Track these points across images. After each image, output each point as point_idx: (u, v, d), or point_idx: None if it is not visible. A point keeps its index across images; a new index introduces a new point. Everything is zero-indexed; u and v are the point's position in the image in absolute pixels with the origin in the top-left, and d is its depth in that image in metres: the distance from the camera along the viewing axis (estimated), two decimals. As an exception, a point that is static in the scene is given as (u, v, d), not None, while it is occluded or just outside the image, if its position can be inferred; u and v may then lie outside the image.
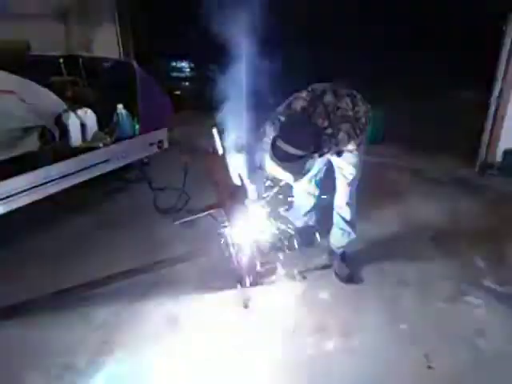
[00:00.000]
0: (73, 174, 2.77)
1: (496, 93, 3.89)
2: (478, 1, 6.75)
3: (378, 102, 4.84)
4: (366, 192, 2.53)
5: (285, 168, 1.91)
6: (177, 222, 2.66)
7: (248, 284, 2.26)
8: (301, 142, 1.84)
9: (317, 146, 1.91)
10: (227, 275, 2.33)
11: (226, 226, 2.23)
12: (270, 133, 2.14)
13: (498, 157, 4.07)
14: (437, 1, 7.47)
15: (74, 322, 2.06)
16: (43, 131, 2.73)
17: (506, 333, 2.00)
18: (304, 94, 2.05)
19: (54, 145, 2.80)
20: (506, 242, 2.80)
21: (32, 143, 2.68)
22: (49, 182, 2.62)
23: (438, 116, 5.93)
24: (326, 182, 2.48)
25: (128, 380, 1.76)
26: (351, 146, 2.07)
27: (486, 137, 4.05)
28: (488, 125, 4.01)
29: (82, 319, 2.08)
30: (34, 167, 2.54)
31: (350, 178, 2.23)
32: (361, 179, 2.28)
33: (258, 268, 2.31)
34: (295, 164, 1.90)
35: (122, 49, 5.39)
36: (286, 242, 2.57)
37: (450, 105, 6.40)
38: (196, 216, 2.40)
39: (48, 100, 2.92)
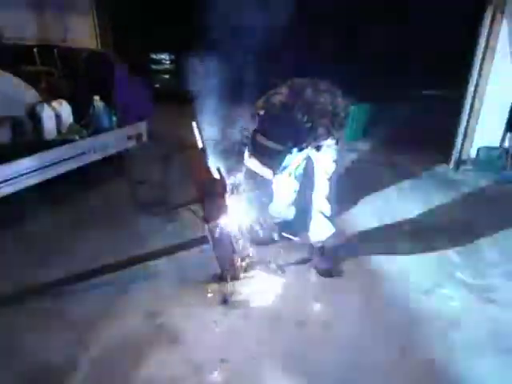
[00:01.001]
0: (47, 167, 2.69)
1: (470, 92, 3.99)
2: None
3: (360, 100, 4.94)
4: (345, 187, 2.56)
5: (264, 163, 1.90)
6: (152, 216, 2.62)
7: (227, 279, 2.25)
8: (280, 136, 1.84)
9: (296, 141, 1.91)
10: (207, 270, 2.32)
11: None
12: (250, 127, 2.13)
13: (472, 153, 4.20)
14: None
15: (48, 320, 2.00)
16: (15, 123, 2.64)
17: (478, 324, 2.05)
18: (284, 88, 2.05)
19: (27, 137, 2.71)
20: (479, 235, 2.88)
21: (3, 135, 2.58)
22: (21, 175, 2.53)
23: (412, 114, 6.07)
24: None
25: (104, 380, 1.73)
26: (330, 141, 2.08)
27: (460, 134, 4.16)
28: (462, 122, 4.12)
29: (56, 317, 2.02)
30: (4, 160, 2.46)
31: (330, 172, 2.25)
32: (340, 174, 2.29)
33: (238, 262, 2.30)
34: (274, 159, 1.90)
35: (99, 40, 5.25)
36: (266, 237, 2.57)
37: (423, 103, 6.57)
38: (171, 210, 2.36)
39: (21, 91, 2.83)
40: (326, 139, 2.03)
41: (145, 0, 6.85)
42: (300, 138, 1.90)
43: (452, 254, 2.65)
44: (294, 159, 2.35)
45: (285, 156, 1.92)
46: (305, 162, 2.42)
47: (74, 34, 4.97)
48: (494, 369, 1.81)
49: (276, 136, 1.82)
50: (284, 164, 1.97)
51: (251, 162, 1.94)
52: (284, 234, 2.61)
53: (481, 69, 3.88)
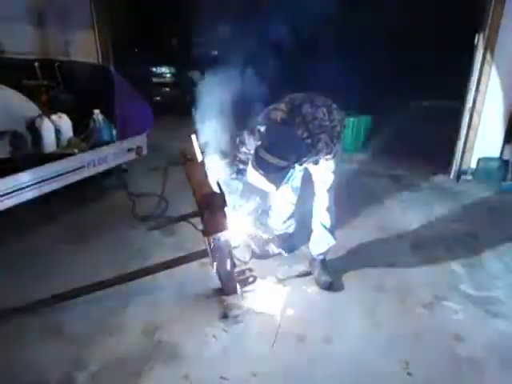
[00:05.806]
0: (46, 181, 2.68)
1: (469, 103, 4.01)
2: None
3: (360, 112, 4.95)
4: (346, 198, 2.54)
5: (268, 178, 1.91)
6: (151, 230, 2.61)
7: (228, 293, 2.23)
8: (284, 152, 1.87)
9: (299, 157, 1.93)
10: (206, 284, 2.29)
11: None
12: (250, 143, 2.15)
13: (472, 164, 4.20)
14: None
15: (45, 336, 1.96)
16: (14, 136, 2.65)
17: (483, 338, 2.02)
18: (282, 104, 2.07)
19: (26, 151, 2.71)
20: (481, 246, 2.86)
21: (2, 148, 2.59)
22: (20, 189, 2.52)
23: (412, 125, 6.10)
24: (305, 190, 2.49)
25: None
26: (328, 155, 2.08)
27: (460, 145, 4.17)
28: (462, 134, 4.13)
29: (54, 332, 1.98)
30: (4, 174, 2.45)
31: (329, 183, 2.24)
32: (340, 186, 2.28)
33: (238, 276, 2.27)
34: (278, 174, 1.91)
35: (100, 53, 5.29)
36: (266, 250, 2.55)
37: (423, 114, 6.61)
38: (171, 223, 2.35)
39: (20, 104, 2.84)
40: (327, 154, 2.04)
41: (146, 14, 6.94)
42: (301, 153, 1.92)
43: (454, 266, 2.62)
44: (295, 173, 2.35)
45: (288, 171, 1.94)
46: (301, 173, 2.42)
47: (75, 47, 5.01)
48: (499, 384, 1.77)
49: (278, 152, 1.84)
50: (286, 179, 1.98)
51: (254, 177, 1.94)
52: (277, 249, 2.59)
53: (478, 82, 3.91)
